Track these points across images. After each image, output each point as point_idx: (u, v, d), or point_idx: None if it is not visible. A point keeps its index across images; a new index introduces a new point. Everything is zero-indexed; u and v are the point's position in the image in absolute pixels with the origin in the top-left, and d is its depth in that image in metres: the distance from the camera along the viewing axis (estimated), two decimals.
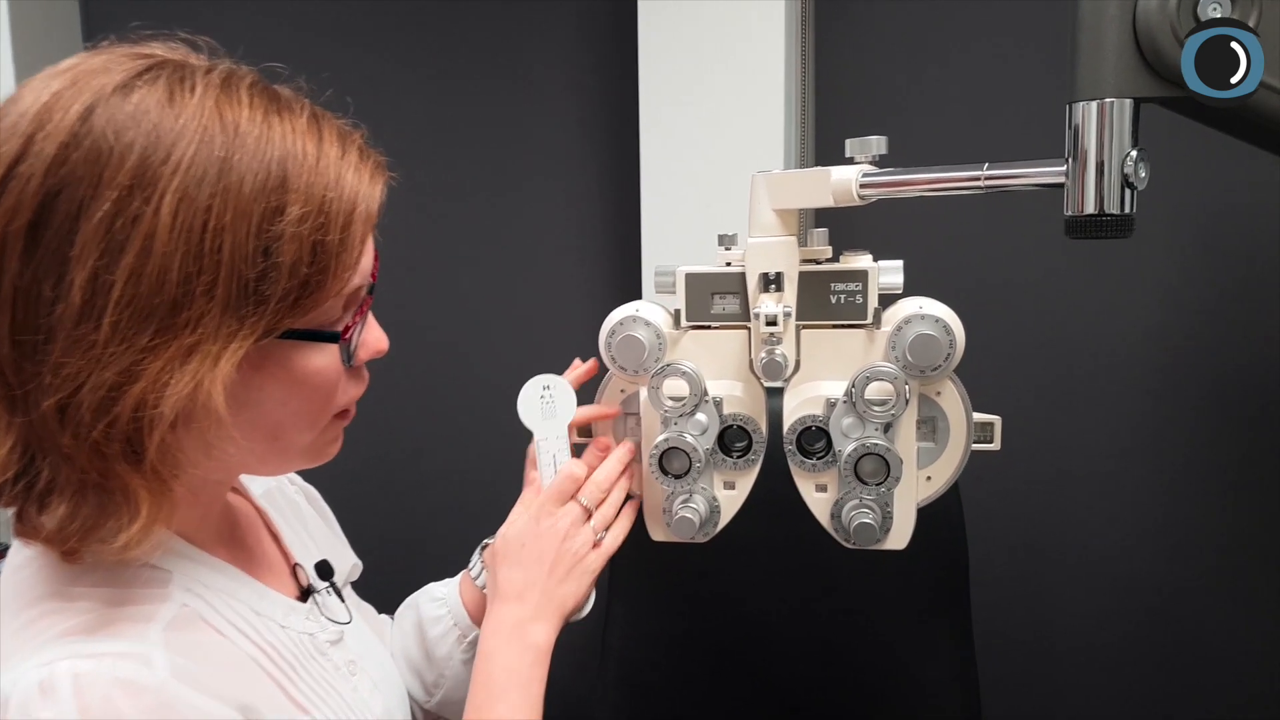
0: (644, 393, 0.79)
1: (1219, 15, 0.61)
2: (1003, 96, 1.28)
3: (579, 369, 0.85)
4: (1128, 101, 0.63)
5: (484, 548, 0.88)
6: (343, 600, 0.77)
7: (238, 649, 0.62)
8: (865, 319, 0.76)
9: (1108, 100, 0.63)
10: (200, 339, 0.53)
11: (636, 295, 1.31)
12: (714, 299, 0.79)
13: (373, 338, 0.65)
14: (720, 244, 0.79)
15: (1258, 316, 1.25)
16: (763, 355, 0.75)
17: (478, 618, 0.85)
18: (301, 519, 0.82)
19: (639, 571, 1.13)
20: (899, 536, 0.79)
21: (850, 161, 0.73)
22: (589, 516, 0.79)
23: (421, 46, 1.49)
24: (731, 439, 0.81)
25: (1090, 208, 0.65)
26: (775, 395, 0.80)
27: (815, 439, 0.79)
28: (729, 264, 0.78)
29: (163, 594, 0.59)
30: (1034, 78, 1.25)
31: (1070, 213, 0.66)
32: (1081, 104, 0.64)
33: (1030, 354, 1.33)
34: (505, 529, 0.79)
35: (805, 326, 0.77)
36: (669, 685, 1.15)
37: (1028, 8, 1.26)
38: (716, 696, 1.15)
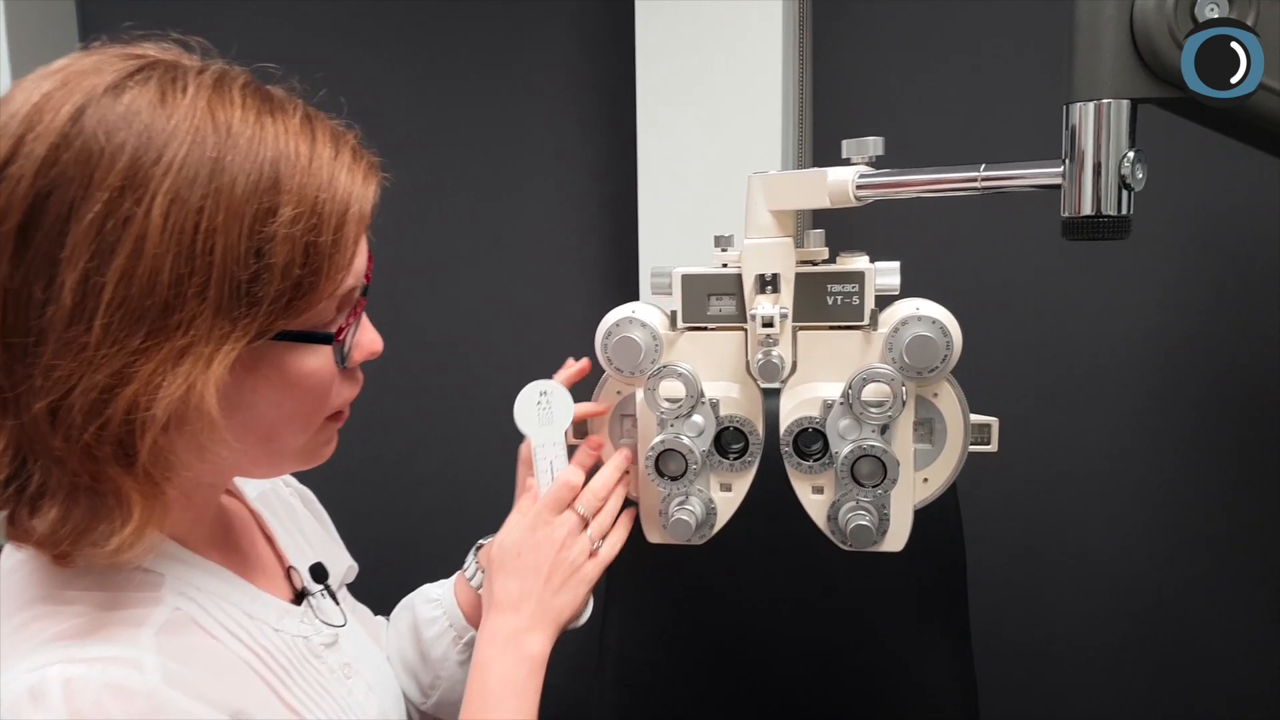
0: (640, 394, 0.79)
1: (1216, 15, 0.60)
2: (1000, 97, 1.28)
3: (571, 368, 0.84)
4: (1125, 102, 0.63)
5: (479, 548, 0.87)
6: (337, 603, 0.77)
7: (230, 653, 0.61)
8: (862, 320, 0.76)
9: (1105, 101, 0.63)
10: (192, 341, 0.52)
11: (634, 296, 1.30)
12: (710, 300, 0.78)
13: (367, 339, 0.65)
14: (716, 245, 0.79)
15: (1255, 317, 1.25)
16: (759, 356, 0.75)
17: (473, 618, 0.85)
18: (296, 521, 0.82)
19: (636, 572, 1.13)
20: (896, 538, 0.78)
21: (847, 163, 0.72)
22: (586, 525, 0.79)
23: (418, 47, 1.49)
24: (728, 441, 0.81)
25: (1087, 209, 0.65)
26: (772, 397, 0.79)
27: (812, 441, 0.78)
28: (725, 265, 0.78)
29: (155, 597, 0.59)
30: (1031, 79, 1.25)
31: (1067, 214, 0.66)
32: (1079, 105, 0.64)
33: (1028, 355, 1.33)
34: (501, 536, 0.78)
35: (802, 328, 0.77)
36: (667, 686, 1.15)
37: (1025, 9, 1.26)
38: (714, 697, 1.15)
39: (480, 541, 0.88)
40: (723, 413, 0.79)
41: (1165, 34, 0.61)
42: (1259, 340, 1.25)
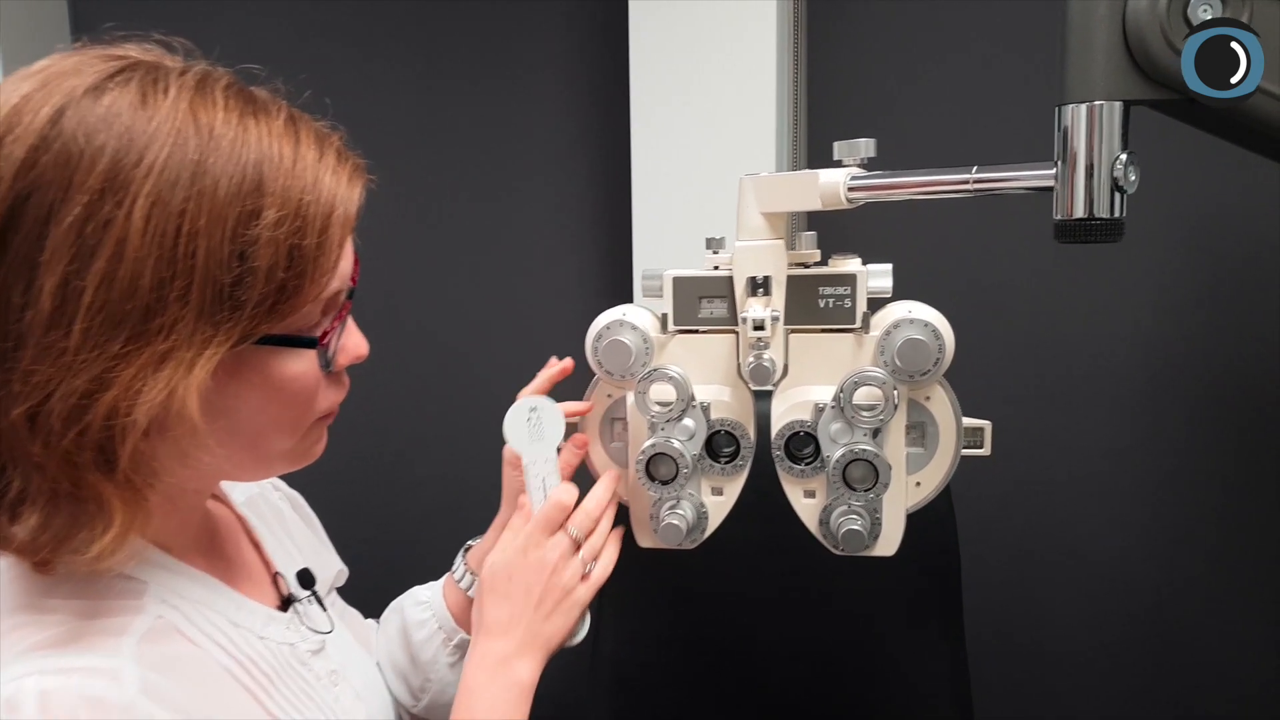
0: (631, 398, 0.79)
1: (1209, 17, 0.60)
2: (993, 99, 1.28)
3: (553, 368, 0.83)
4: (1117, 104, 0.63)
5: (467, 550, 0.87)
6: (325, 609, 0.76)
7: (213, 661, 0.61)
8: (854, 323, 0.75)
9: (1097, 103, 0.63)
10: (174, 345, 0.52)
11: (628, 298, 1.30)
12: (701, 303, 0.78)
13: (352, 343, 0.64)
14: (708, 247, 0.78)
15: (1248, 319, 1.24)
16: (750, 360, 0.74)
17: (462, 620, 0.84)
18: (285, 526, 0.81)
19: (629, 574, 1.12)
20: (888, 543, 0.78)
21: (839, 164, 0.72)
22: (578, 548, 0.76)
23: (410, 47, 1.48)
24: (719, 444, 0.80)
25: (1080, 211, 0.64)
26: (763, 400, 0.79)
27: (804, 444, 0.78)
28: (717, 267, 0.78)
29: (137, 605, 0.58)
30: (1024, 80, 1.24)
31: (1059, 216, 0.66)
32: (1071, 106, 0.64)
33: (1020, 358, 1.32)
34: (493, 557, 0.76)
35: (793, 331, 0.77)
36: (660, 687, 1.14)
37: (1018, 10, 1.26)
38: (708, 699, 1.14)
39: (469, 543, 0.87)
40: (714, 416, 0.78)
41: (1158, 35, 0.60)
42: (1252, 342, 1.25)
